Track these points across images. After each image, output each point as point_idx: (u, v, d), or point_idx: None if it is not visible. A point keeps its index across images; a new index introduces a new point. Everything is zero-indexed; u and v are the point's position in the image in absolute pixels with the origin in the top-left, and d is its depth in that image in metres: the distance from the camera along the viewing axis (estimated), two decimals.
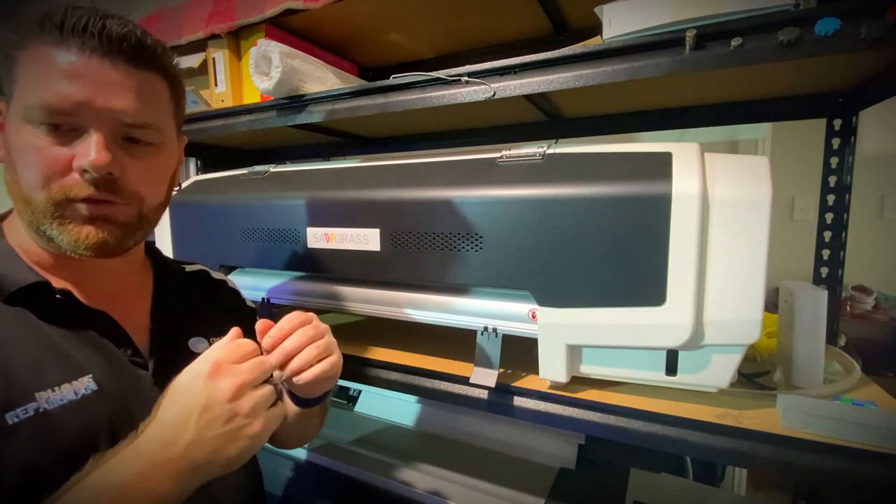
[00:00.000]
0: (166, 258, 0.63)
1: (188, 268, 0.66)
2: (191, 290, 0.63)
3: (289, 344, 0.50)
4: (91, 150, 0.43)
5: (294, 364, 0.50)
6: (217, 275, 0.70)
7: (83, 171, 0.44)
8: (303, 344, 0.50)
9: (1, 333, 0.43)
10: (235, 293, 0.71)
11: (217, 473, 0.42)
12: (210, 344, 0.58)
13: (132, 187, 0.47)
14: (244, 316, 0.69)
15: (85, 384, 0.44)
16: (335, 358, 0.53)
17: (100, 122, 0.44)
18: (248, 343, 0.46)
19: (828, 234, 0.82)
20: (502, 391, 0.67)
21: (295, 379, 0.50)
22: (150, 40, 0.47)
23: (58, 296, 0.47)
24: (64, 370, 0.44)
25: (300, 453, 0.99)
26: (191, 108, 1.01)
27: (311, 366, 0.50)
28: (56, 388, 0.43)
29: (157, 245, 0.94)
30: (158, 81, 0.48)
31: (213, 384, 0.41)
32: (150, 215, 0.51)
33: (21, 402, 0.41)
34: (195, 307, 0.61)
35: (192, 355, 0.55)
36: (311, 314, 0.54)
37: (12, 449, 0.39)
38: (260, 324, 0.51)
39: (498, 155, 0.67)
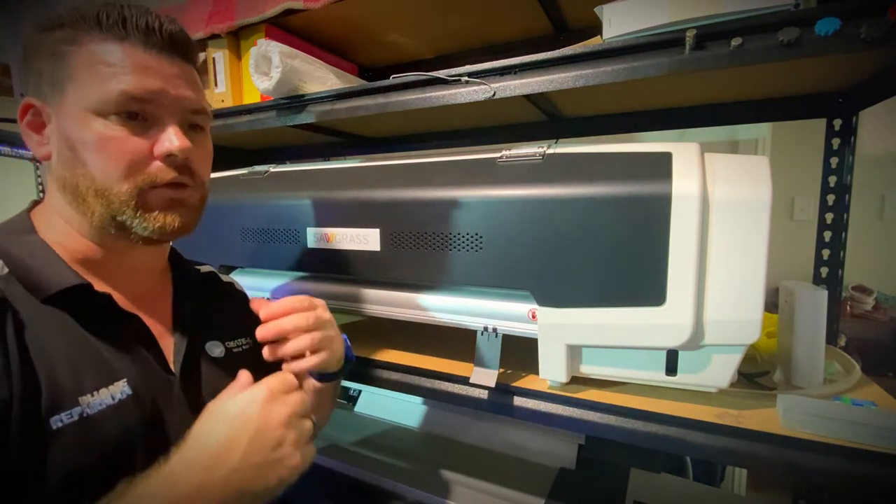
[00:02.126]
0: (183, 258, 0.63)
1: (201, 269, 0.67)
2: (205, 292, 0.63)
3: (283, 324, 0.54)
4: (173, 137, 0.47)
5: (287, 349, 0.54)
6: (225, 277, 0.71)
7: (168, 156, 0.47)
8: (297, 329, 0.54)
9: (43, 336, 0.42)
10: (243, 295, 0.72)
11: None
12: (225, 348, 0.59)
13: (198, 171, 0.51)
14: (251, 319, 0.69)
15: (121, 388, 0.45)
16: (325, 355, 0.56)
17: (173, 110, 0.48)
18: (293, 378, 0.47)
19: (828, 234, 0.82)
20: (502, 391, 0.67)
21: (284, 366, 0.54)
22: (191, 38, 0.51)
23: (99, 299, 0.47)
24: (101, 374, 0.44)
25: None
26: None
27: (303, 355, 0.55)
28: (95, 393, 0.43)
29: None
30: (196, 73, 0.53)
31: (269, 409, 0.43)
32: (206, 198, 0.55)
33: (65, 406, 0.41)
34: (210, 310, 0.61)
35: (210, 359, 0.57)
36: (319, 302, 0.58)
37: (56, 453, 0.39)
38: (256, 301, 0.55)
39: (498, 155, 0.67)
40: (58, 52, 0.45)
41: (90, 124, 0.45)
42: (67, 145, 0.46)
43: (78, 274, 0.46)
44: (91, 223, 0.47)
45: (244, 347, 0.62)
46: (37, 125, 0.48)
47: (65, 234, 0.49)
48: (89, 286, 0.46)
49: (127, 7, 0.46)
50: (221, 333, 0.60)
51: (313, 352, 0.55)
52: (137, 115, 0.46)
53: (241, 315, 0.66)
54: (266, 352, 0.55)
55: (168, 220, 0.48)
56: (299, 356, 0.55)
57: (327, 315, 0.59)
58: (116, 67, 0.45)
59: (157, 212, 0.48)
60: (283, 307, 0.54)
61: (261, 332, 0.54)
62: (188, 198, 0.51)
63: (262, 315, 0.54)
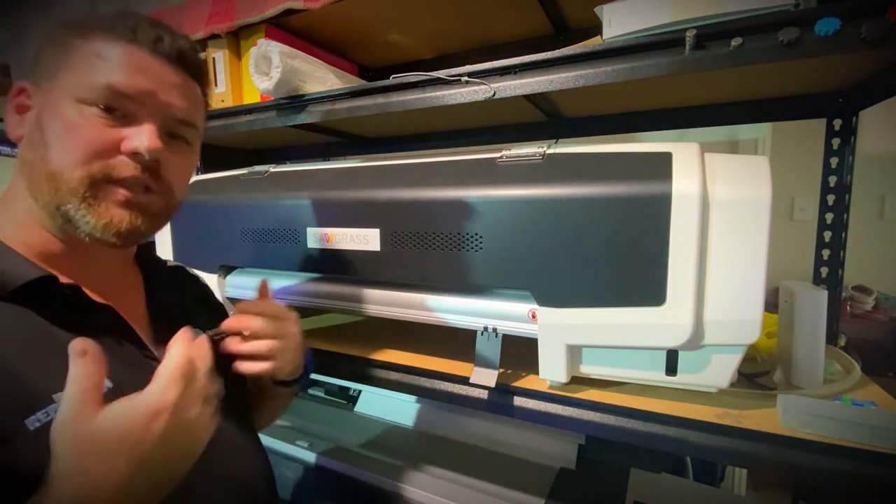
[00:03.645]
0: (150, 252, 0.63)
1: (169, 263, 0.67)
2: (176, 283, 0.65)
3: (246, 322, 0.57)
4: (145, 135, 0.46)
5: (242, 347, 0.57)
6: (191, 270, 0.73)
7: (134, 153, 0.45)
8: (256, 333, 0.57)
9: (7, 336, 0.41)
10: (208, 288, 0.75)
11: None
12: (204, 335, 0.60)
13: (168, 178, 0.49)
14: (218, 310, 0.72)
15: None
16: (272, 365, 0.58)
17: (156, 113, 0.47)
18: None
19: (828, 234, 0.82)
20: (502, 391, 0.67)
21: (237, 363, 0.57)
22: (201, 57, 0.53)
23: (65, 291, 0.45)
24: None
25: (309, 456, 0.98)
26: None
27: (257, 359, 0.57)
28: None
29: (158, 245, 0.93)
30: (199, 91, 0.53)
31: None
32: (173, 210, 0.53)
33: (40, 405, 0.39)
34: (183, 300, 0.63)
35: None
36: (292, 315, 0.61)
37: (36, 454, 0.37)
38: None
39: (498, 155, 0.67)
40: (65, 43, 0.46)
41: (66, 108, 0.44)
42: (39, 126, 0.45)
43: (39, 266, 0.45)
44: (42, 211, 0.46)
45: (223, 337, 0.62)
46: (22, 107, 0.48)
47: (24, 226, 0.47)
48: (54, 278, 0.44)
49: (141, 17, 0.48)
50: (200, 323, 0.60)
51: (265, 359, 0.58)
52: (116, 109, 0.45)
53: (211, 307, 0.70)
54: (228, 341, 0.58)
55: (116, 218, 0.46)
56: (253, 357, 0.58)
57: (294, 329, 0.61)
58: (112, 63, 0.45)
59: (104, 206, 0.45)
60: (256, 307, 0.58)
61: (226, 323, 0.57)
62: (150, 203, 0.48)
63: (236, 308, 0.58)
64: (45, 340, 0.43)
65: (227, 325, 0.57)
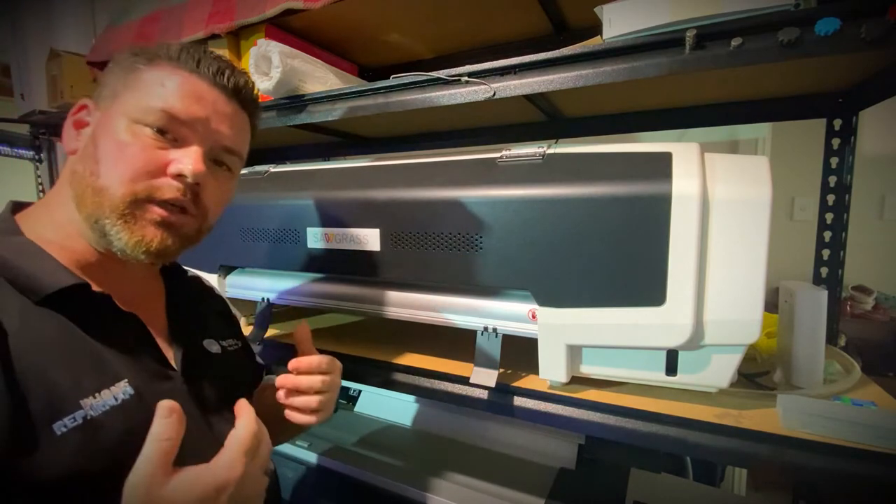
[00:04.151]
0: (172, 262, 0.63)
1: (188, 272, 0.68)
2: (194, 294, 0.65)
3: (300, 382, 0.58)
4: (190, 158, 0.48)
5: (294, 402, 0.58)
6: (207, 281, 0.73)
7: (179, 175, 0.47)
8: (311, 389, 0.58)
9: (40, 340, 0.41)
10: (222, 299, 0.74)
11: None
12: (220, 346, 0.61)
13: (206, 202, 0.51)
14: (233, 323, 0.71)
15: (122, 389, 0.44)
16: (320, 417, 0.60)
17: (205, 139, 0.50)
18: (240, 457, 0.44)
19: (828, 234, 0.82)
20: (502, 391, 0.67)
21: (287, 413, 0.59)
22: (256, 93, 0.56)
23: (97, 299, 0.46)
24: (101, 376, 0.44)
25: (309, 456, 0.98)
26: None
27: (306, 413, 0.59)
28: (97, 395, 0.42)
29: None
30: (248, 124, 0.56)
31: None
32: (205, 233, 0.54)
33: (67, 410, 0.40)
34: (200, 310, 0.63)
35: (209, 355, 0.58)
36: (338, 366, 0.62)
37: (62, 458, 0.39)
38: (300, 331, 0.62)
39: (498, 155, 0.67)
40: (131, 67, 0.49)
41: (121, 127, 0.47)
42: (94, 142, 0.47)
43: (73, 273, 0.46)
44: (84, 222, 0.48)
45: (235, 347, 0.64)
46: (80, 123, 0.50)
47: (66, 233, 0.48)
48: (88, 286, 0.45)
49: (206, 52, 0.51)
50: (215, 333, 0.62)
51: (313, 412, 0.59)
52: (168, 132, 0.47)
53: (225, 317, 0.70)
54: (280, 394, 0.59)
55: (148, 236, 0.47)
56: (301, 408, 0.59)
57: (339, 380, 0.63)
58: (171, 89, 0.48)
59: (139, 225, 0.47)
60: (310, 365, 0.59)
61: (281, 380, 0.59)
62: (184, 225, 0.50)
63: (290, 365, 0.59)
64: (76, 346, 0.44)
65: (280, 382, 0.59)
